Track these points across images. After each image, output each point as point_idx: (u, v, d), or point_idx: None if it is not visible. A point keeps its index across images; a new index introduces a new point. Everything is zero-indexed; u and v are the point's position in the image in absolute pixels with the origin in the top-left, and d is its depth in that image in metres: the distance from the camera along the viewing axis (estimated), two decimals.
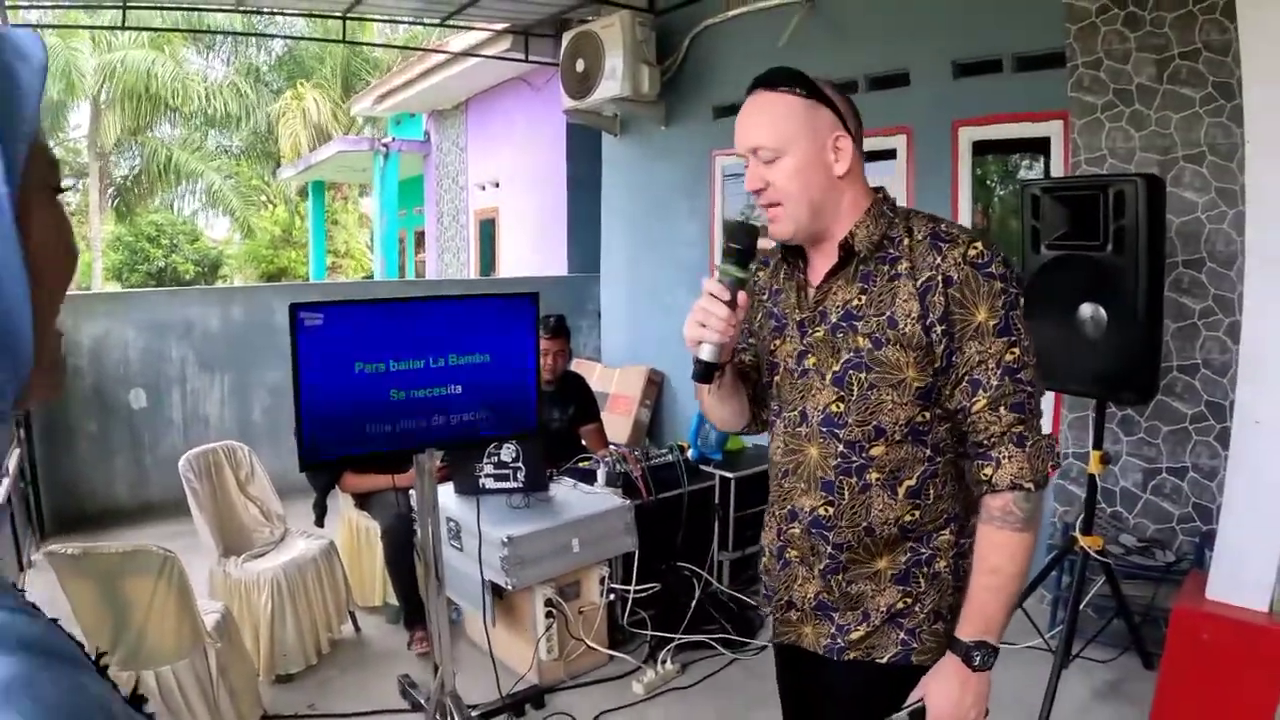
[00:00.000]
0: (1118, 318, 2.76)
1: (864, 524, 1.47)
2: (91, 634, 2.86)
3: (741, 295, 1.44)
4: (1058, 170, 3.64)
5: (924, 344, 1.39)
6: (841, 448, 1.47)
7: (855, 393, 1.45)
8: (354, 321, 2.73)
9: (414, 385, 2.80)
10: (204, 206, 20.49)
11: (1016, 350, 1.37)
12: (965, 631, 1.41)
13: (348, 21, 6.41)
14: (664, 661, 3.49)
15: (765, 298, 1.65)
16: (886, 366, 1.42)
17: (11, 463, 4.59)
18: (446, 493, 3.72)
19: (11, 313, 0.52)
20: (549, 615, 3.43)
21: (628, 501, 3.63)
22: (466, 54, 8.09)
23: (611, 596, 3.60)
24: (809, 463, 1.51)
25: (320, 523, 4.19)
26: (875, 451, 1.45)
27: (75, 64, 15.57)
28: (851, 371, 1.45)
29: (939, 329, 1.38)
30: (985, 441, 1.39)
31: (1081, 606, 3.12)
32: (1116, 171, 3.26)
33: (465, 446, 3.51)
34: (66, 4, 5.51)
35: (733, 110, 5.17)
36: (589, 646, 3.52)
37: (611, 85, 5.53)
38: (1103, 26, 3.28)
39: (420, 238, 13.66)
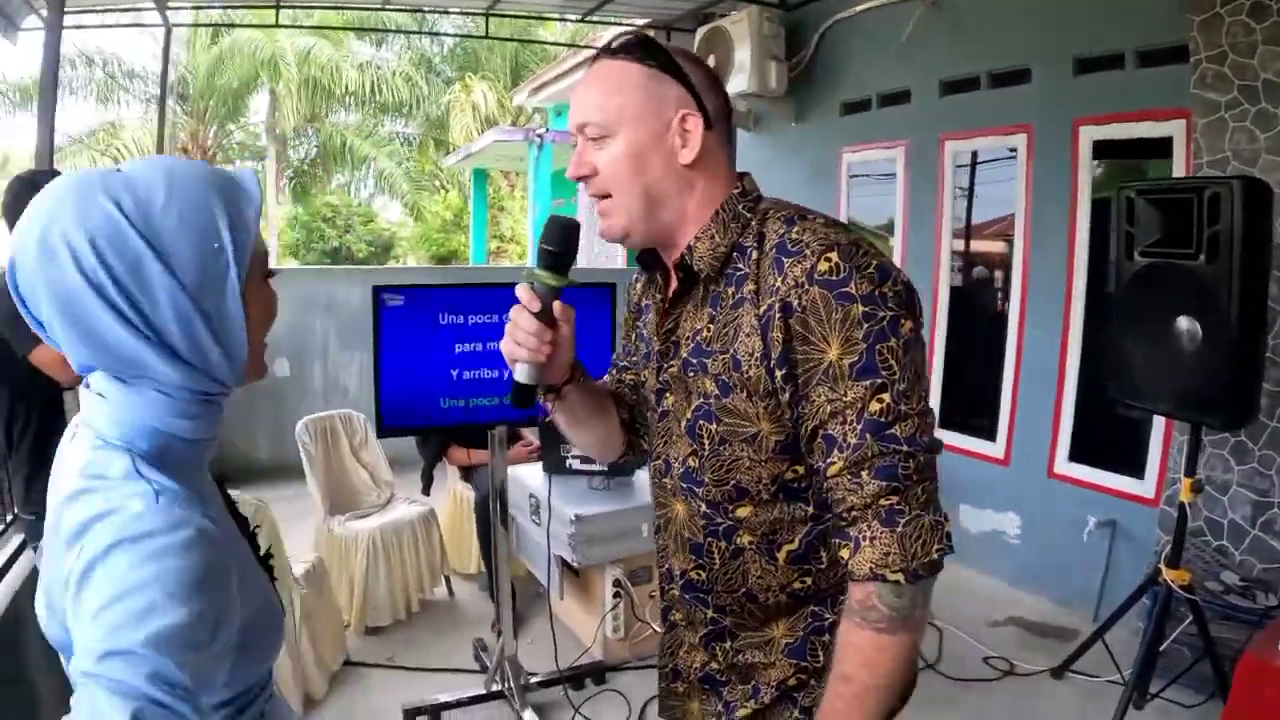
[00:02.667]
0: (1212, 333, 2.55)
1: (742, 590, 1.22)
2: None
3: (559, 307, 1.21)
4: (1180, 174, 3.38)
5: (769, 391, 1.10)
6: (704, 508, 1.22)
7: (707, 447, 1.19)
8: (432, 303, 2.91)
9: (487, 366, 2.97)
10: (379, 190, 21.79)
11: (886, 398, 1.04)
12: None
13: (505, 18, 6.64)
14: None
15: (638, 317, 1.40)
16: (736, 417, 1.14)
17: None
18: (534, 470, 3.87)
19: (238, 344, 0.95)
20: (616, 595, 3.52)
21: None
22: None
23: None
24: (676, 520, 1.28)
25: (427, 491, 4.44)
26: (741, 513, 1.19)
27: (252, 52, 16.74)
28: (701, 421, 1.18)
29: (780, 373, 1.08)
30: (844, 515, 1.07)
31: (1169, 644, 2.93)
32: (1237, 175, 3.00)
33: (532, 426, 3.63)
34: (221, 4, 6.03)
35: (861, 107, 5.18)
36: (654, 630, 3.58)
37: (740, 80, 5.55)
38: (1227, 18, 3.01)
39: None
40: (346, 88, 17.88)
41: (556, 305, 1.20)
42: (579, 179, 1.20)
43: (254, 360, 1.00)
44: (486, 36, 6.99)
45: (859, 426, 1.04)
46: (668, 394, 1.25)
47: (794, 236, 1.09)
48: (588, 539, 3.36)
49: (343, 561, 3.91)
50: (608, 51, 1.18)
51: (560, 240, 1.20)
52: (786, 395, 1.09)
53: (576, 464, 3.88)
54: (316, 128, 19.59)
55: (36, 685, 2.64)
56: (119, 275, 0.86)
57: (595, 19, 7.12)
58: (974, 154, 4.46)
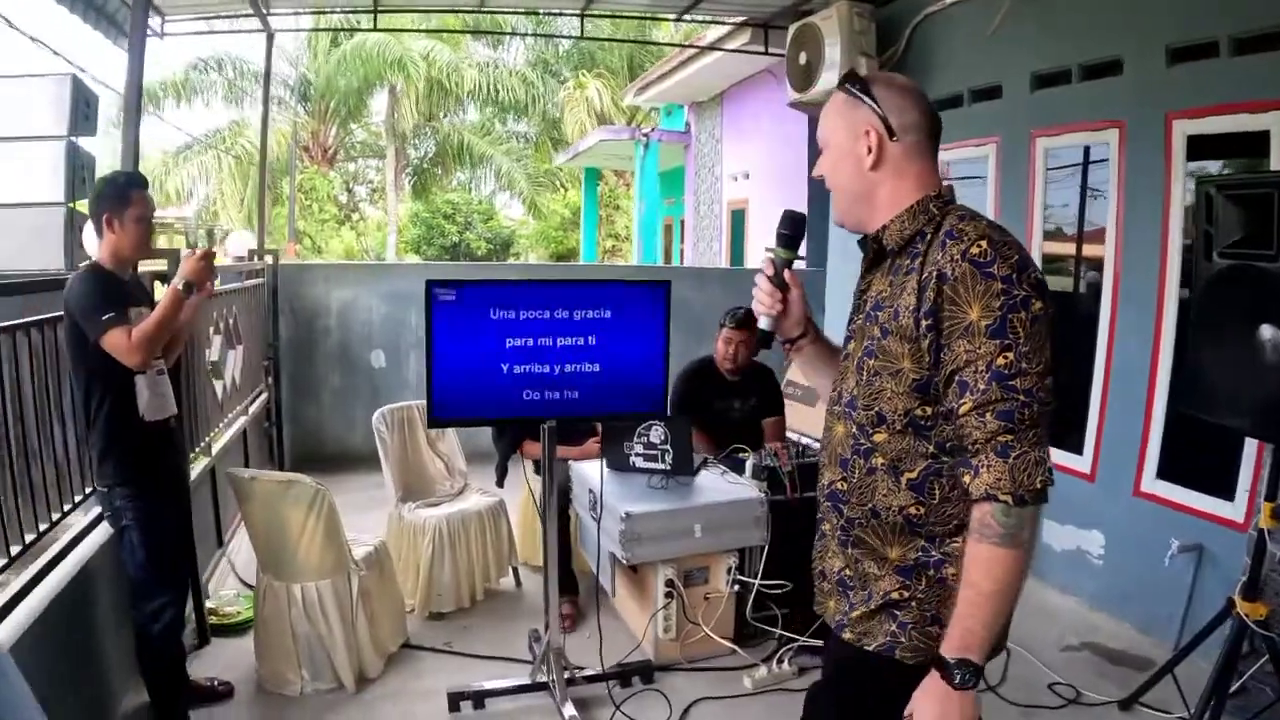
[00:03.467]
0: None
1: (870, 505, 1.49)
2: (257, 546, 3.34)
3: (789, 275, 1.66)
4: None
5: (914, 337, 1.39)
6: (855, 429, 1.52)
7: (865, 377, 1.50)
8: (484, 299, 2.96)
9: (537, 361, 3.00)
10: (499, 188, 22.38)
11: (1010, 355, 1.31)
12: (947, 647, 1.36)
13: (619, 19, 6.71)
14: (781, 661, 3.45)
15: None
16: (889, 356, 1.44)
17: (255, 406, 5.39)
18: (595, 466, 3.88)
19: None
20: (668, 595, 3.50)
21: (761, 495, 3.61)
22: (710, 48, 8.24)
23: (737, 588, 3.60)
24: (834, 439, 1.59)
25: (500, 483, 4.52)
26: (878, 438, 1.48)
27: (373, 55, 17.39)
28: (865, 358, 1.50)
29: (925, 324, 1.37)
30: (969, 448, 1.35)
31: (1248, 682, 2.72)
32: None
33: (580, 421, 3.63)
34: (316, 10, 6.29)
35: (952, 103, 4.99)
36: (706, 633, 3.55)
37: (830, 77, 5.44)
38: None
39: (683, 226, 14.13)
40: (463, 88, 18.42)
41: (787, 274, 1.66)
42: (820, 179, 1.58)
43: None
44: (591, 38, 7.04)
45: (987, 375, 1.32)
46: (851, 340, 1.58)
47: (960, 227, 1.39)
48: (637, 537, 3.36)
49: (410, 547, 4.03)
50: (838, 84, 1.56)
51: (790, 226, 1.68)
52: (926, 342, 1.38)
53: (639, 461, 3.89)
54: (434, 127, 20.25)
55: (105, 648, 2.83)
56: None
57: (691, 17, 7.09)
58: (1086, 149, 4.22)
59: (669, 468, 3.83)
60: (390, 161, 20.03)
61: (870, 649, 1.50)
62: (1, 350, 2.41)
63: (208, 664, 3.39)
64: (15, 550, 2.39)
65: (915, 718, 1.39)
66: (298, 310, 6.32)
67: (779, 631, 3.59)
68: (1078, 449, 4.10)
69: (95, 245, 2.81)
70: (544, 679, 3.22)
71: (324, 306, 6.34)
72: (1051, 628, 3.81)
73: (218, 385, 4.53)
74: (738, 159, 10.70)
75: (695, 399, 4.29)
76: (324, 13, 6.50)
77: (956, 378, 1.35)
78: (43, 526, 2.59)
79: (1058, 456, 4.17)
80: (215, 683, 3.17)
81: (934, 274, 1.37)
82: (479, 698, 3.17)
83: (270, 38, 5.76)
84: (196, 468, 3.91)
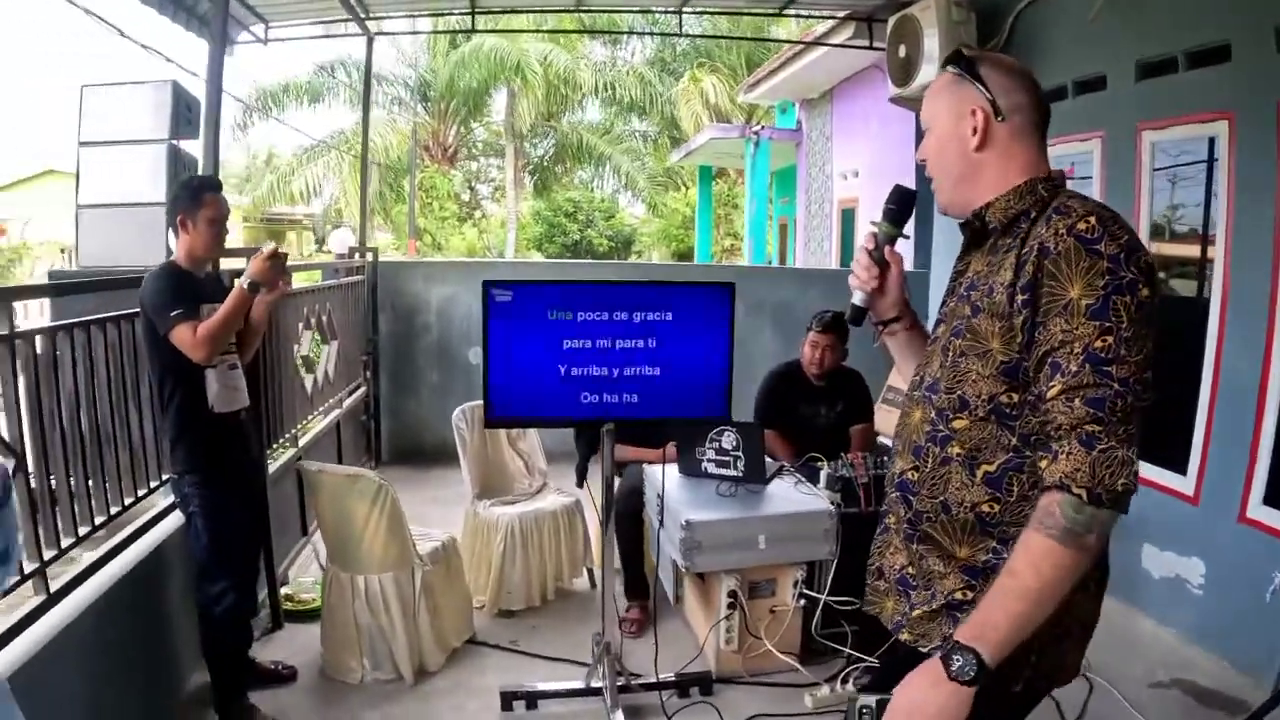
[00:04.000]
0: None
1: (941, 498, 1.40)
2: (326, 537, 3.44)
3: (889, 251, 1.60)
4: None
5: (1007, 314, 1.30)
6: (933, 414, 1.43)
7: (950, 359, 1.41)
8: (540, 300, 2.95)
9: (595, 363, 2.96)
10: (621, 187, 22.59)
11: (1109, 339, 1.21)
12: (961, 632, 1.26)
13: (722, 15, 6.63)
14: (846, 680, 3.31)
15: None
16: (977, 335, 1.36)
17: (350, 400, 5.57)
18: (669, 471, 3.80)
19: None
20: (730, 606, 3.41)
21: (831, 508, 3.47)
22: (814, 43, 8.07)
23: (802, 602, 3.47)
24: (910, 425, 1.51)
25: (581, 484, 4.51)
26: (958, 424, 1.38)
27: (488, 56, 17.78)
28: (952, 338, 1.42)
29: (1021, 298, 1.28)
30: (1051, 433, 1.25)
31: None
32: None
33: (654, 424, 3.55)
34: (410, 13, 6.43)
35: (1056, 95, 4.68)
36: (768, 647, 3.43)
37: (929, 70, 5.23)
38: None
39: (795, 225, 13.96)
40: (580, 87, 18.66)
41: (888, 250, 1.60)
42: (921, 163, 1.51)
43: None
44: (694, 35, 6.99)
45: (1082, 357, 1.22)
46: (941, 324, 1.50)
47: (1068, 204, 1.31)
48: (697, 545, 3.28)
49: (483, 544, 4.07)
50: (942, 65, 1.50)
51: (898, 200, 1.61)
52: (1020, 319, 1.28)
53: (711, 467, 3.81)
54: (554, 126, 20.61)
55: (174, 627, 2.96)
56: None
57: (794, 11, 6.94)
58: (1211, 140, 3.88)
59: (740, 474, 3.74)
60: (510, 160, 20.50)
61: (925, 650, 1.40)
62: (77, 342, 2.54)
63: (278, 647, 3.51)
64: (83, 530, 2.52)
65: (894, 696, 1.30)
66: (398, 306, 6.50)
67: (847, 650, 3.45)
68: (1180, 468, 3.77)
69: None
70: (599, 684, 3.19)
71: (424, 303, 6.50)
72: (1141, 661, 3.52)
73: (308, 379, 4.70)
74: (847, 156, 10.47)
75: (780, 403, 4.18)
76: (421, 15, 6.66)
77: (1050, 359, 1.25)
78: (114, 509, 2.72)
79: (1157, 474, 3.85)
80: (280, 666, 3.28)
81: (1035, 247, 1.27)
82: (532, 698, 3.16)
83: (370, 41, 5.95)
84: (281, 459, 4.06)
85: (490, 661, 3.53)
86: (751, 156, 12.97)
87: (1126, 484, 1.19)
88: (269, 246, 2.97)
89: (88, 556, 2.55)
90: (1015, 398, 1.32)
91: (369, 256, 6.25)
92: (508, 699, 3.15)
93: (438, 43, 18.27)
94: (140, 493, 2.93)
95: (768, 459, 3.84)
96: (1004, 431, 1.33)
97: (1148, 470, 3.88)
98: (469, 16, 5.95)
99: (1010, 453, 1.33)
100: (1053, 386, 1.24)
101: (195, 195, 2.84)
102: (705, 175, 17.87)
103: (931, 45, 5.14)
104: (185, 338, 2.64)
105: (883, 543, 1.57)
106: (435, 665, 3.40)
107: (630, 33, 18.62)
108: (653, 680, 3.25)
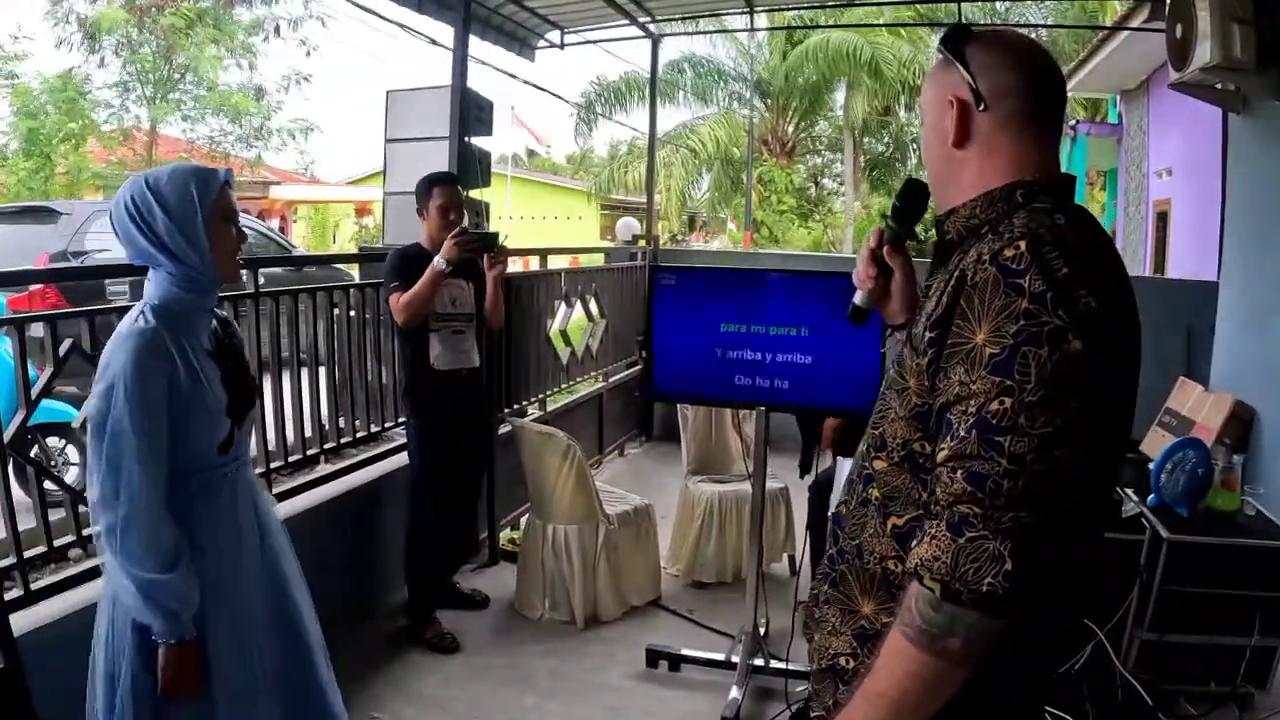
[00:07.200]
0: None
1: (857, 541, 1.22)
2: (529, 487, 3.89)
3: (890, 252, 1.36)
4: None
5: (922, 349, 1.10)
6: (864, 447, 1.25)
7: (882, 390, 1.24)
8: (701, 284, 3.17)
9: (750, 347, 3.13)
10: None
11: (1008, 401, 0.97)
12: None
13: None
14: None
15: None
16: (902, 368, 1.16)
17: (620, 376, 6.08)
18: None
19: (204, 252, 1.73)
20: None
21: None
22: (1114, 27, 7.21)
23: None
24: (858, 456, 1.31)
25: (804, 474, 4.59)
26: (878, 465, 1.19)
27: (836, 50, 17.58)
28: (892, 366, 1.25)
29: (930, 335, 1.07)
30: (931, 507, 1.04)
31: None
32: None
33: (788, 411, 3.52)
34: (690, 13, 6.68)
35: None
36: None
37: (1203, 52, 4.44)
38: None
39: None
40: (908, 77, 17.95)
41: (888, 251, 1.37)
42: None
43: (223, 265, 1.80)
44: (932, 23, 6.60)
45: (971, 420, 1.00)
46: (904, 346, 1.25)
47: (1017, 220, 1.07)
48: None
49: (689, 517, 4.34)
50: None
51: (904, 197, 1.39)
52: (925, 359, 1.08)
53: None
54: (889, 120, 20.05)
55: (387, 544, 3.60)
56: (140, 212, 1.70)
57: None
58: None
59: None
60: (848, 155, 20.30)
61: (813, 717, 1.29)
62: (330, 302, 3.26)
63: (486, 579, 4.09)
64: (312, 451, 3.22)
65: None
66: None
67: None
68: None
69: None
70: (737, 659, 3.31)
71: None
72: None
73: (563, 352, 5.26)
74: (1162, 153, 9.18)
75: None
76: (702, 15, 6.97)
77: (946, 415, 1.04)
78: (344, 440, 3.41)
79: None
80: (476, 594, 3.82)
81: (955, 275, 1.05)
82: (675, 660, 3.38)
83: (655, 43, 6.39)
84: (516, 419, 4.65)
85: (662, 623, 3.79)
86: (1067, 154, 11.79)
87: (994, 585, 0.96)
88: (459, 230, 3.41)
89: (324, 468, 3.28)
90: (928, 447, 1.11)
91: (648, 244, 6.75)
92: (653, 657, 3.39)
93: (775, 39, 18.61)
94: (374, 429, 3.62)
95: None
96: (916, 485, 1.13)
97: None
98: (746, 15, 6.16)
99: (920, 509, 1.11)
100: (941, 450, 1.03)
101: (427, 188, 3.40)
102: None
103: (1204, 22, 4.32)
104: (393, 304, 3.22)
105: (825, 566, 1.38)
106: (609, 616, 3.74)
107: (934, 23, 17.52)
108: (783, 667, 3.29)
